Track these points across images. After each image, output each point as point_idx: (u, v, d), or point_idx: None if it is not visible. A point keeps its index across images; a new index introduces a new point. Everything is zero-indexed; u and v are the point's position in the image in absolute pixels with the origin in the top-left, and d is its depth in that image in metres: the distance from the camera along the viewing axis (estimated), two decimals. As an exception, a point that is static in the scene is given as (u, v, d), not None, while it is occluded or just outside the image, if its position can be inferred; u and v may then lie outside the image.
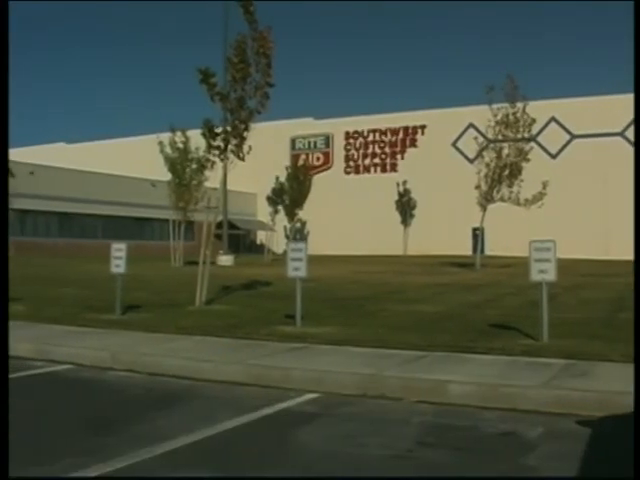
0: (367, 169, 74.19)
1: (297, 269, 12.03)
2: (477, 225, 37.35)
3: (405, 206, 67.43)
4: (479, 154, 35.66)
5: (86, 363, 9.80)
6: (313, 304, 13.99)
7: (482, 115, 35.69)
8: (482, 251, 38.00)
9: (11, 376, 9.08)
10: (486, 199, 34.48)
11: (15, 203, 52.08)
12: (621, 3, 72.63)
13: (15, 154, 63.67)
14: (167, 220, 45.83)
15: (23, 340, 11.03)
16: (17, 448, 5.86)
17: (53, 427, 6.63)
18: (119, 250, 14.14)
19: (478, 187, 34.57)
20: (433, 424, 6.62)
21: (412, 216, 67.33)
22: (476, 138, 38.34)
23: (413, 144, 72.03)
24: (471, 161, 46.07)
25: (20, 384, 8.84)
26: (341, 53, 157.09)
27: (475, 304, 16.48)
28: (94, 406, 7.58)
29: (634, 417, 6.53)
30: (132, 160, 69.28)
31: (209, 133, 15.54)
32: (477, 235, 40.05)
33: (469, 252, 53.88)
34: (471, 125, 61.46)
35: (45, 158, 62.57)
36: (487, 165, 34.12)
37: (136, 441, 5.95)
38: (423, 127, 71.24)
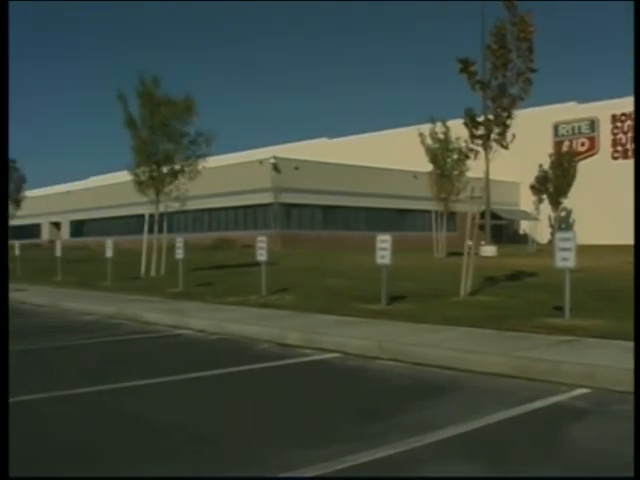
0: (637, 153, 70.53)
1: (565, 259, 11.60)
2: None
3: (680, 192, 63.41)
4: None
5: (352, 352, 10.03)
6: (582, 295, 13.45)
7: None
8: None
9: (281, 363, 9.57)
10: None
11: (281, 197, 55.00)
12: None
13: (281, 150, 67.45)
14: (429, 211, 46.11)
15: (292, 329, 11.55)
16: (288, 432, 6.12)
17: (322, 413, 6.84)
18: (384, 241, 14.31)
19: None
20: None
21: (688, 202, 63.20)
22: None
23: (688, 124, 67.54)
24: None
25: (290, 371, 9.24)
26: (604, 34, 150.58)
27: None
28: (362, 394, 7.75)
29: (634, 416, 6.07)
30: (393, 152, 70.38)
31: (471, 122, 15.46)
32: None
33: None
34: None
35: (309, 153, 65.08)
36: None
37: (405, 429, 6.00)
38: (700, 105, 66.51)
